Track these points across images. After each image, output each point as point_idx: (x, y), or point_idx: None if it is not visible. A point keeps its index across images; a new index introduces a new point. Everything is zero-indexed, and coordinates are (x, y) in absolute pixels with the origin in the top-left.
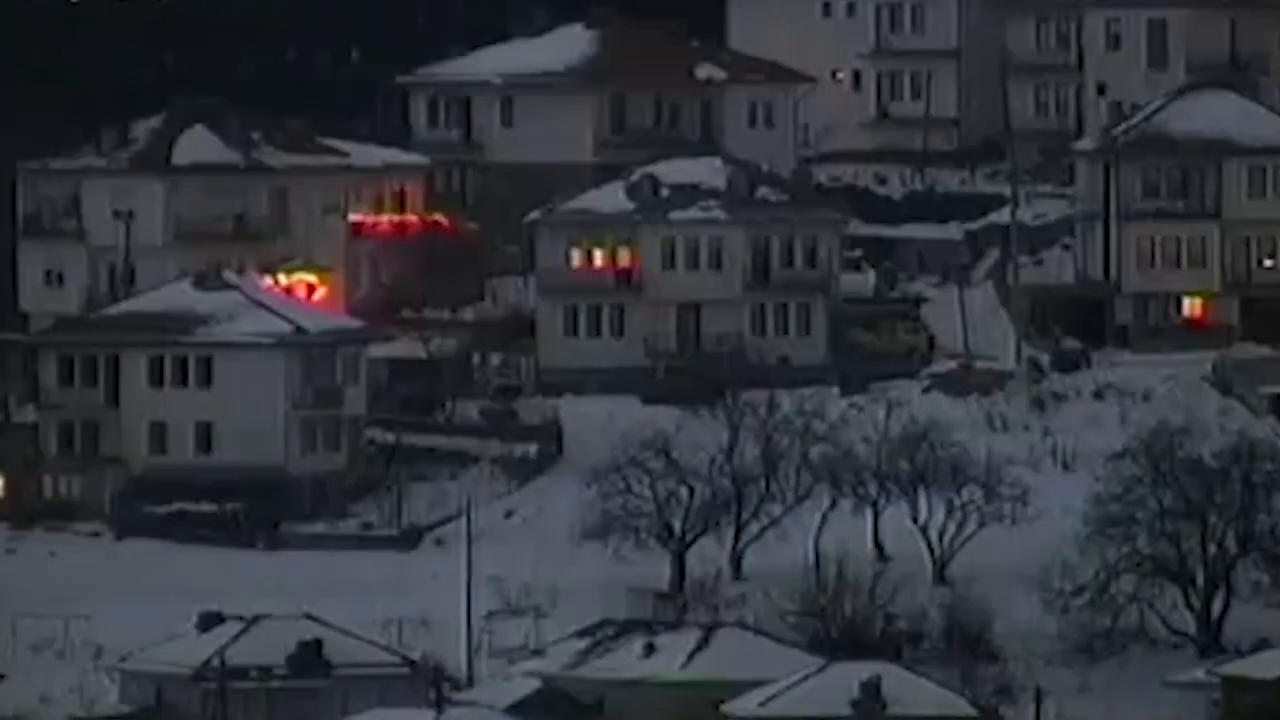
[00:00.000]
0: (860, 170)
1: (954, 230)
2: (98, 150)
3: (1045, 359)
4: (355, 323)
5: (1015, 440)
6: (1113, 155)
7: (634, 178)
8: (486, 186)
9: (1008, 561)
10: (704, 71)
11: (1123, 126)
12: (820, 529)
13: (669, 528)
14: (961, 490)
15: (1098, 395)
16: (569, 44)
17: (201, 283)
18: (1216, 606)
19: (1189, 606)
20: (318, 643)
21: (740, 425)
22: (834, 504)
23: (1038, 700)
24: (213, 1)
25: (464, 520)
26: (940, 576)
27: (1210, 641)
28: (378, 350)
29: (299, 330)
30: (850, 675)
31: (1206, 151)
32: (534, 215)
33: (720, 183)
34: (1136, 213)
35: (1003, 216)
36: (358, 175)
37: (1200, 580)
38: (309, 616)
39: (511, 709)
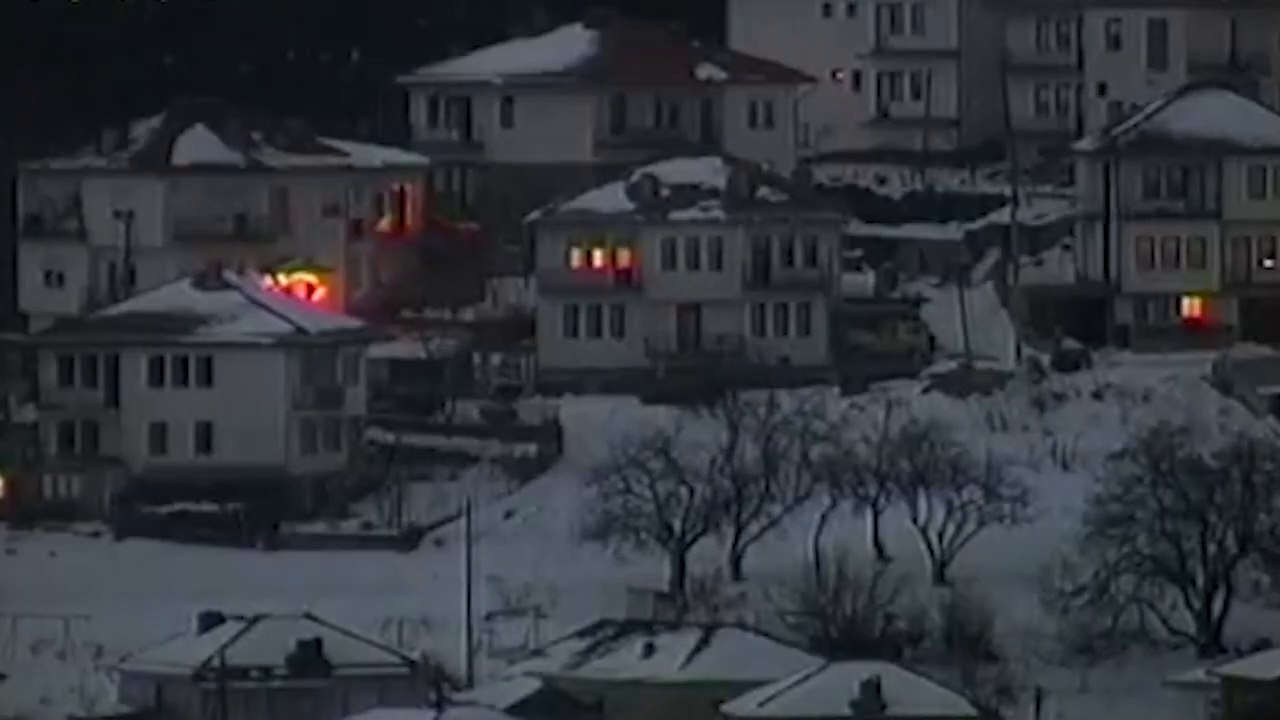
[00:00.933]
0: (860, 170)
1: (954, 230)
2: (98, 150)
3: (1045, 359)
4: (355, 323)
5: (1015, 440)
6: (1113, 155)
7: (634, 178)
8: (486, 186)
9: (1008, 561)
10: (704, 71)
11: (1123, 127)
12: (820, 529)
13: (669, 528)
14: (961, 490)
15: (1098, 395)
16: (569, 44)
17: (201, 283)
18: (1216, 606)
19: (1189, 606)
20: (318, 643)
21: (740, 425)
22: (834, 504)
23: (1038, 700)
24: (213, 1)
25: (464, 520)
26: (940, 576)
27: (1210, 641)
28: (378, 350)
29: (299, 330)
30: (850, 675)
31: (1206, 151)
32: (534, 215)
33: (720, 183)
34: (1136, 213)
35: (1003, 216)
36: (358, 175)
37: (1200, 580)
38: (309, 616)
39: (511, 709)
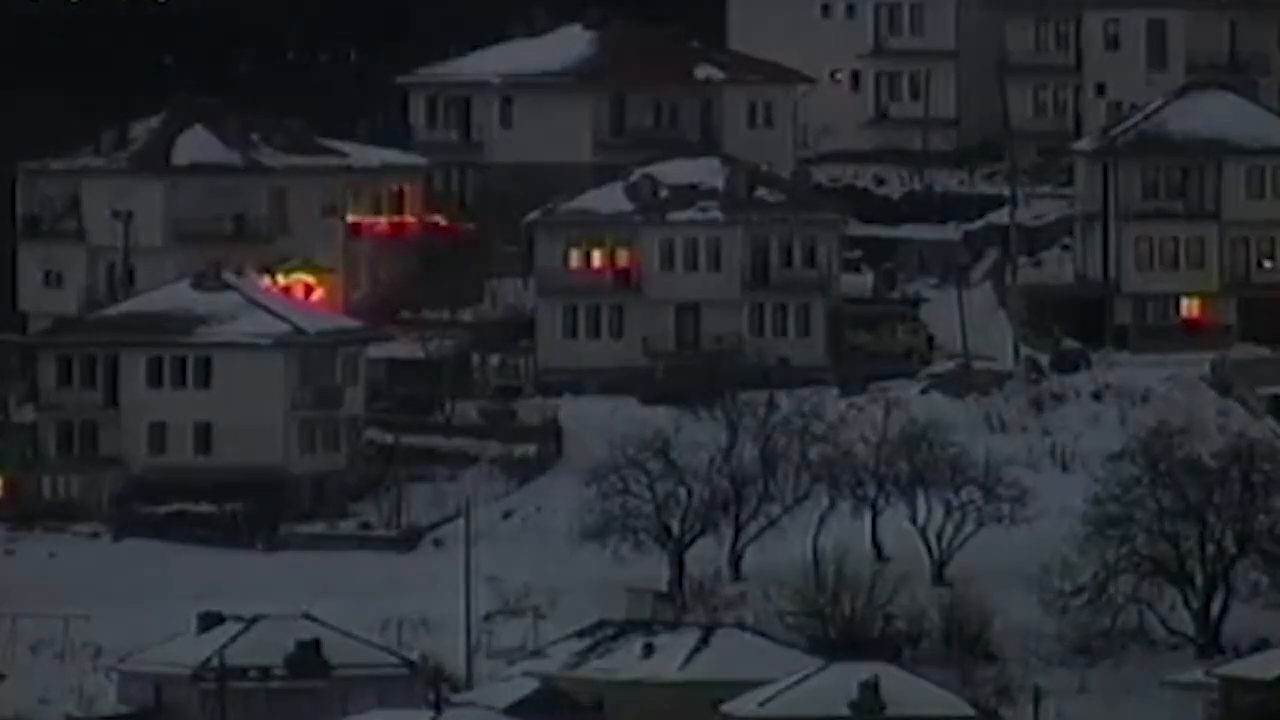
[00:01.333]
0: (859, 170)
1: (953, 231)
2: (97, 150)
3: (1044, 359)
4: (354, 323)
5: (1014, 440)
6: (1112, 155)
7: (633, 178)
8: (486, 187)
9: (1006, 562)
10: (704, 72)
11: (1122, 127)
12: (819, 529)
13: (668, 528)
14: (960, 490)
15: (1096, 396)
16: (569, 44)
17: (201, 283)
18: (1215, 607)
19: (1188, 607)
20: (316, 643)
21: (739, 425)
22: (833, 504)
23: (1036, 701)
24: (213, 1)
25: (463, 520)
26: (939, 577)
27: (1209, 642)
28: (377, 350)
29: (298, 331)
30: (849, 676)
31: (1206, 152)
32: (533, 216)
33: (719, 183)
34: (1135, 213)
35: (1001, 217)
36: (357, 176)
37: (1199, 581)
38: (308, 616)
39: (511, 709)
